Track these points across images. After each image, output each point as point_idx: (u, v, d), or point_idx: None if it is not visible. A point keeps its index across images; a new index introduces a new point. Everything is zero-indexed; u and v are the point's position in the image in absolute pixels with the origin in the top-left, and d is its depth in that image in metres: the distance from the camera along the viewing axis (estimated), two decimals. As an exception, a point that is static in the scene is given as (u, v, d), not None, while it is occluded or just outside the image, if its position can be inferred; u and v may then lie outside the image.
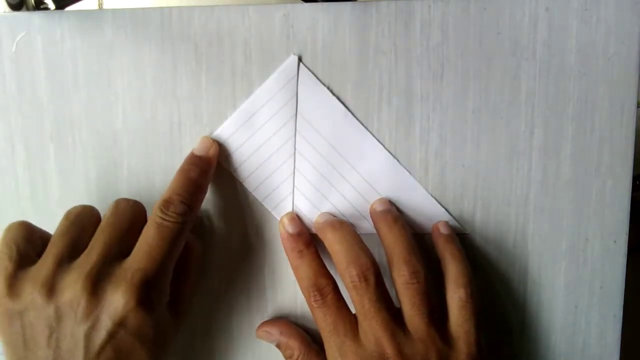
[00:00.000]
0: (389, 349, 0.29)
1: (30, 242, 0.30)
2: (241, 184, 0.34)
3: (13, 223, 0.30)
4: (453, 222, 0.34)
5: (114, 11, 0.33)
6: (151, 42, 0.33)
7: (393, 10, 0.32)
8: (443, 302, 0.31)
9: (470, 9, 0.32)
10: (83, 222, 0.30)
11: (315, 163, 0.33)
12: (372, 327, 0.29)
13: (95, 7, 0.57)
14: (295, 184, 0.34)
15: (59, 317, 0.28)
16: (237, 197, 0.34)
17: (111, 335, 0.28)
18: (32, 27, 0.33)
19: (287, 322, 0.34)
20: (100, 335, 0.28)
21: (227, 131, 0.33)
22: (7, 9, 0.33)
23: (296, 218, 0.34)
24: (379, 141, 0.33)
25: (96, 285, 0.28)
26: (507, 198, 0.34)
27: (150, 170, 0.34)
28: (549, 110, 0.33)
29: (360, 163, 0.33)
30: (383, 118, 0.33)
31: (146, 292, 0.28)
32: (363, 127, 0.33)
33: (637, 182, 0.42)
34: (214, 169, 0.33)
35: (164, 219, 0.29)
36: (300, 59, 0.33)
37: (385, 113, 0.33)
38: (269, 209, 0.34)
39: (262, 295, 0.35)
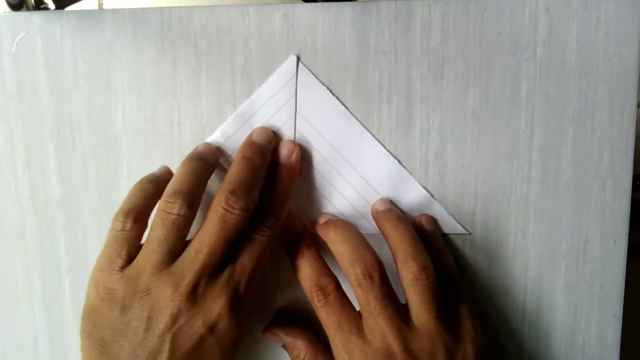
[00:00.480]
0: (395, 345, 0.29)
1: (140, 239, 0.30)
2: (241, 184, 0.34)
3: (128, 220, 0.29)
4: (453, 222, 0.34)
5: (114, 11, 0.33)
6: (151, 42, 0.33)
7: (393, 10, 0.32)
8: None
9: (470, 9, 0.32)
10: (181, 228, 0.29)
11: (315, 163, 0.33)
12: (378, 324, 0.29)
13: (95, 7, 0.57)
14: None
15: (150, 316, 0.28)
16: (237, 197, 0.34)
17: (201, 339, 0.28)
18: (32, 27, 0.33)
19: (293, 323, 0.34)
20: (191, 339, 0.28)
21: (227, 131, 0.33)
22: (7, 9, 0.33)
23: (296, 216, 0.34)
24: (379, 141, 0.33)
25: (196, 289, 0.29)
26: (507, 198, 0.34)
27: (150, 170, 0.34)
28: (549, 110, 0.33)
29: (360, 163, 0.33)
30: (383, 118, 0.33)
31: (238, 304, 0.29)
32: (363, 127, 0.33)
33: (637, 182, 0.42)
34: (297, 176, 0.33)
35: (259, 235, 0.30)
36: (299, 59, 0.33)
37: (385, 113, 0.33)
38: (269, 209, 0.34)
39: (264, 296, 0.35)
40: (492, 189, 0.34)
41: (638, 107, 0.33)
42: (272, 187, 0.32)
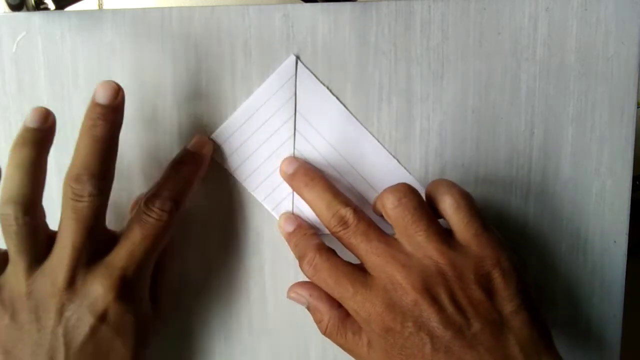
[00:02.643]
0: (398, 276, 0.27)
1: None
2: (241, 184, 0.34)
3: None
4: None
5: (114, 11, 0.33)
6: (151, 42, 0.33)
7: (393, 10, 0.32)
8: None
9: (470, 9, 0.32)
10: (26, 236, 0.28)
11: (314, 163, 0.33)
12: (371, 261, 0.28)
13: (95, 7, 0.56)
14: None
15: (38, 315, 0.28)
16: (237, 198, 0.34)
17: (93, 330, 0.28)
18: (32, 27, 0.33)
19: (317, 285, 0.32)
20: (82, 331, 0.28)
21: (227, 131, 0.33)
22: (7, 9, 0.33)
23: (292, 216, 0.34)
24: (378, 141, 0.33)
25: (74, 281, 0.28)
26: (507, 198, 0.34)
27: (150, 170, 0.34)
28: (549, 110, 0.33)
29: (360, 163, 0.33)
30: (383, 118, 0.33)
31: (127, 289, 0.28)
32: (363, 127, 0.33)
33: (637, 182, 0.42)
34: (206, 167, 0.32)
35: (148, 215, 0.29)
36: (298, 59, 0.33)
37: (385, 113, 0.33)
38: (269, 209, 0.34)
39: (262, 296, 0.35)
40: (492, 189, 0.34)
41: (638, 107, 0.33)
42: (175, 168, 0.31)
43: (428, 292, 0.27)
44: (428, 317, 0.27)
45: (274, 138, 0.33)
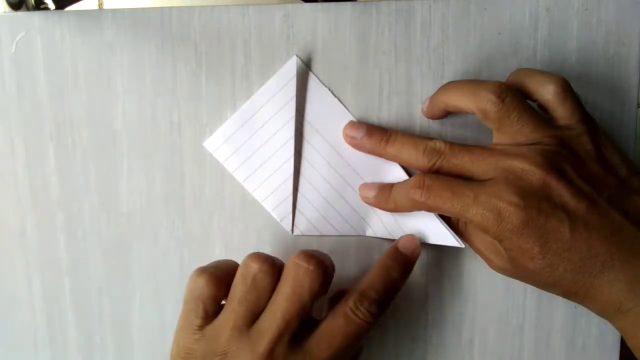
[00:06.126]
0: (516, 164, 0.27)
1: (217, 300, 0.29)
2: (241, 185, 0.34)
3: (201, 278, 0.29)
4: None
5: (114, 11, 0.33)
6: (151, 42, 0.33)
7: (393, 10, 0.32)
8: None
9: (471, 9, 0.32)
10: (262, 286, 0.28)
11: (315, 164, 0.33)
12: (482, 168, 0.28)
13: (95, 7, 0.56)
14: (295, 185, 0.34)
15: None
16: (237, 199, 0.34)
17: None
18: (32, 27, 0.33)
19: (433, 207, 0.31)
20: None
21: (227, 132, 0.33)
22: (7, 8, 0.33)
23: (368, 184, 0.33)
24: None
25: (273, 354, 0.27)
26: (507, 198, 0.34)
27: (150, 170, 0.34)
28: (549, 111, 0.33)
29: (360, 164, 0.33)
30: (383, 118, 0.33)
31: None
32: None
33: (637, 182, 0.42)
34: (411, 271, 0.31)
35: (356, 315, 0.28)
36: (300, 60, 0.33)
37: (385, 113, 0.33)
38: (269, 210, 0.34)
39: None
40: (492, 189, 0.34)
41: (638, 107, 0.33)
42: (387, 269, 0.30)
43: (553, 168, 0.27)
44: (560, 193, 0.27)
45: (275, 139, 0.33)
